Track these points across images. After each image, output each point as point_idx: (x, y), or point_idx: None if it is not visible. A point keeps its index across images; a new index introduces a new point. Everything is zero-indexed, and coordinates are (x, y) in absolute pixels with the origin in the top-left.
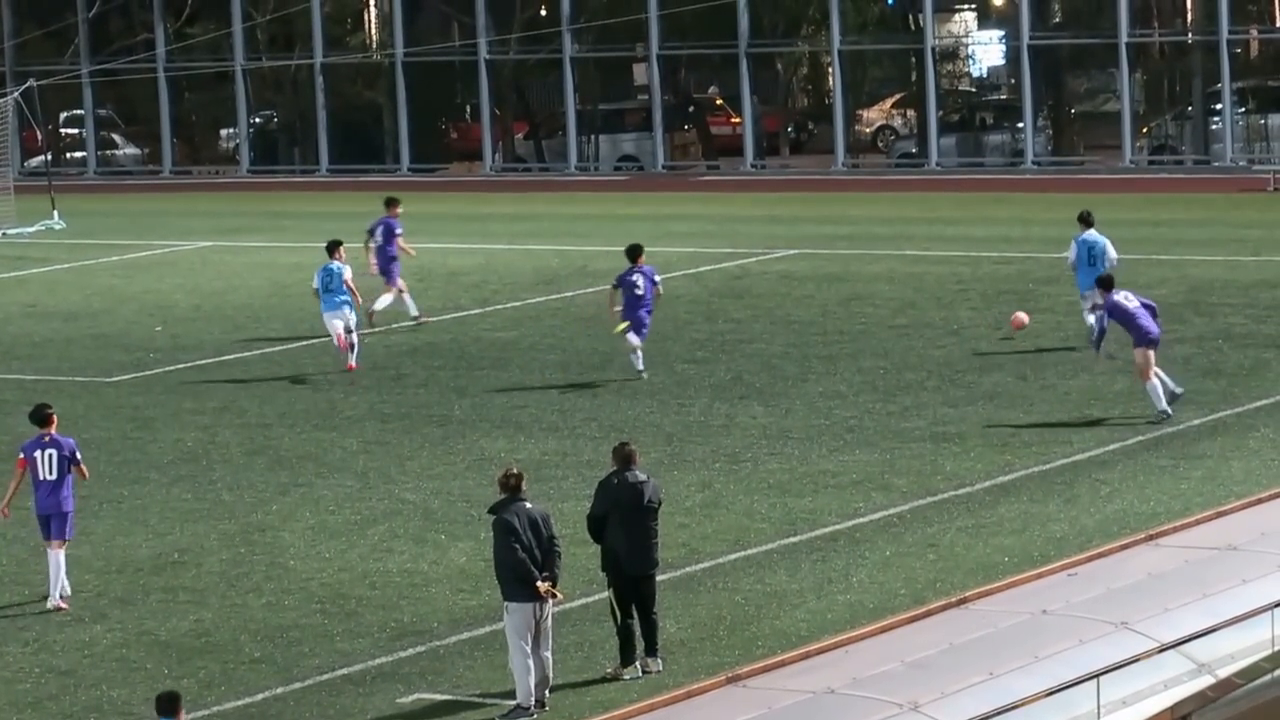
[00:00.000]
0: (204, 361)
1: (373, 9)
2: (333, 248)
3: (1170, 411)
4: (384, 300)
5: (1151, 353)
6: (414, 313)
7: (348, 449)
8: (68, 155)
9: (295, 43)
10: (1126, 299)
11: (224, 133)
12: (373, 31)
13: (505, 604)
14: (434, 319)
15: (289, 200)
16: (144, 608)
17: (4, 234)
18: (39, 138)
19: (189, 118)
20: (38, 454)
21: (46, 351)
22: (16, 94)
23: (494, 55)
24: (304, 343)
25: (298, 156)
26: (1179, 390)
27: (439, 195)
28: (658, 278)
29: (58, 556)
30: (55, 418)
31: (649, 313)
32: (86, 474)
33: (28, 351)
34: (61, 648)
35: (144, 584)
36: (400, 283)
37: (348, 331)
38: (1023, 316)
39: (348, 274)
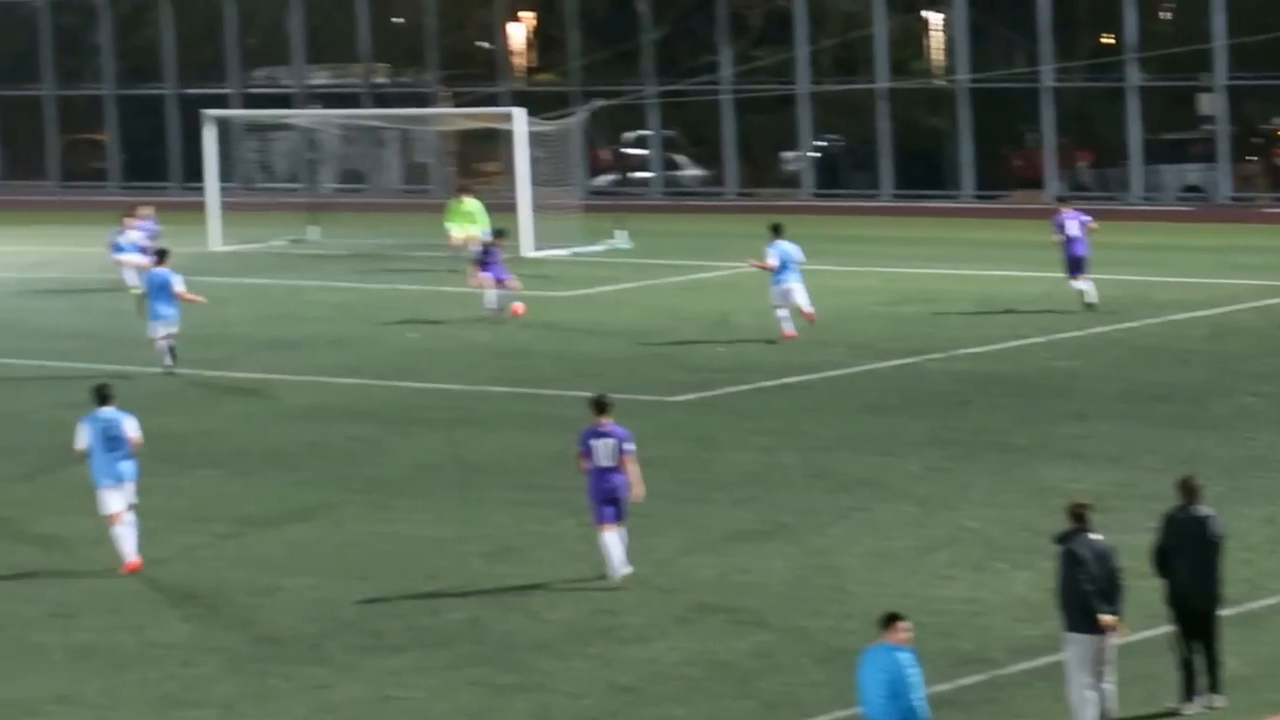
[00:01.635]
0: (766, 383)
1: (937, 35)
2: None
3: None
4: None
5: None
6: None
7: (909, 474)
8: (633, 175)
9: (859, 67)
10: None
11: (787, 155)
12: (936, 57)
13: (1066, 635)
14: (995, 347)
15: (851, 224)
16: (706, 627)
17: (571, 252)
18: (605, 157)
19: (753, 140)
20: (594, 442)
21: (611, 370)
22: (584, 113)
23: (1058, 83)
24: (866, 367)
25: (860, 181)
26: None
27: (1001, 222)
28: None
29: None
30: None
31: None
32: None
33: (594, 369)
34: (625, 664)
35: (707, 604)
36: None
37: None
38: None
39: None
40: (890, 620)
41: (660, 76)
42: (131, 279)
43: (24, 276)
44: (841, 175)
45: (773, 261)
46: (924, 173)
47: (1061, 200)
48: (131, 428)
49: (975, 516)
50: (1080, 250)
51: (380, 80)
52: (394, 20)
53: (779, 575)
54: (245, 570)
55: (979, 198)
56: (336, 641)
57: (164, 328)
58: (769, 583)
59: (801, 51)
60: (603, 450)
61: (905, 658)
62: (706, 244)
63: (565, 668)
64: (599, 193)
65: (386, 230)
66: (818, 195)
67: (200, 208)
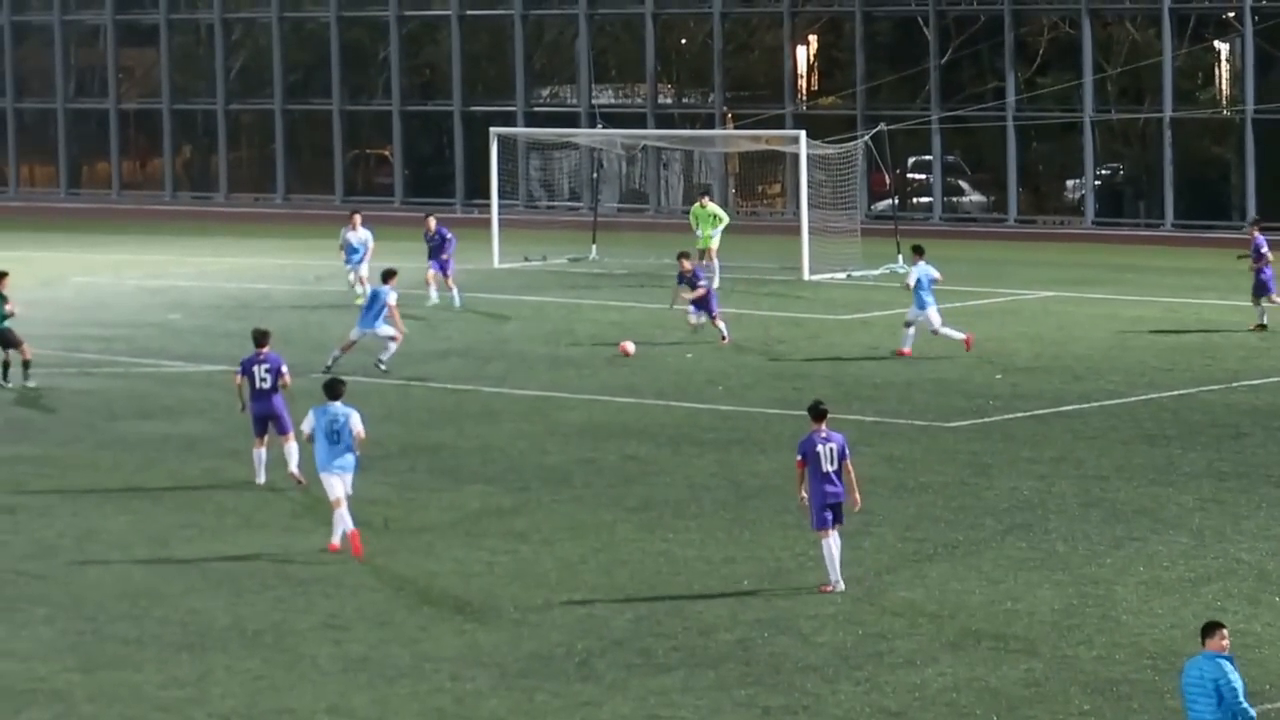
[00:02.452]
0: (1042, 411)
1: (1225, 64)
2: None
3: None
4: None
5: None
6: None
7: (1184, 505)
8: (914, 200)
9: (1145, 96)
10: None
11: (1069, 183)
12: (1224, 87)
13: None
14: (1275, 379)
15: (1132, 254)
16: (975, 654)
17: (849, 275)
18: (887, 181)
19: (1035, 167)
20: (818, 449)
21: (887, 394)
22: (868, 137)
23: None
24: (1143, 396)
25: (1142, 210)
26: None
27: None
28: None
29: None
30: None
31: None
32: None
33: (869, 393)
34: (893, 689)
35: (976, 630)
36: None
37: None
38: (629, 346)
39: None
40: (1212, 628)
41: (944, 102)
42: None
43: (306, 289)
44: (1125, 204)
45: (911, 281)
46: (1207, 202)
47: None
48: (356, 423)
49: (1250, 549)
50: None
51: (664, 101)
52: (680, 42)
53: (1049, 603)
54: (517, 586)
55: (1263, 229)
56: (605, 659)
57: (359, 334)
58: (1039, 610)
59: (1087, 79)
60: (825, 455)
61: (1228, 664)
62: (986, 270)
63: (833, 691)
64: (879, 217)
65: (667, 250)
66: (1099, 223)
67: (483, 224)
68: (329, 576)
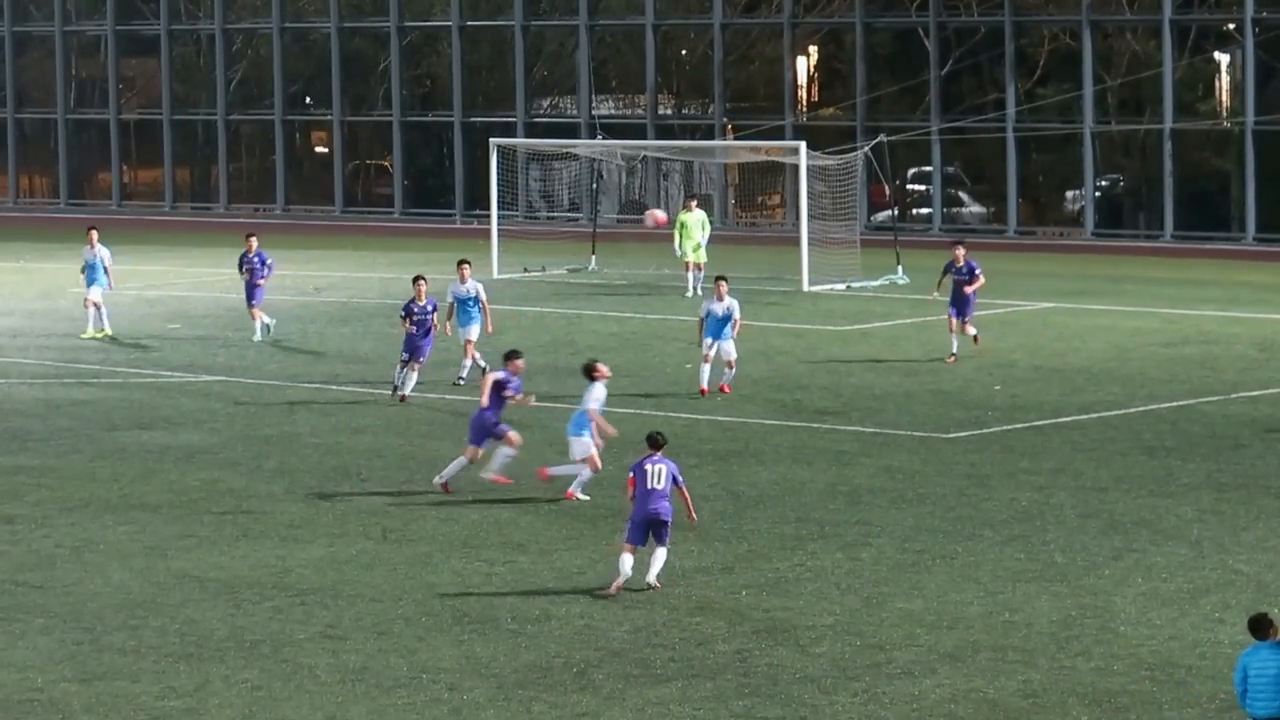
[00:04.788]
0: (1041, 422)
1: (1225, 76)
2: None
3: None
4: None
5: None
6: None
7: (1182, 517)
8: (914, 211)
9: (1145, 107)
10: None
11: (1069, 194)
12: (1224, 99)
13: None
14: (1274, 391)
15: (1132, 265)
16: (973, 665)
17: (848, 286)
18: (886, 192)
19: (1035, 178)
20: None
21: (886, 405)
22: (867, 148)
23: None
24: (1142, 408)
25: (1142, 222)
26: None
27: None
28: None
29: None
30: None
31: None
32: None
33: (868, 404)
34: (891, 700)
35: (974, 641)
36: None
37: None
38: (659, 215)
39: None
40: (1264, 621)
41: (944, 113)
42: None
43: (305, 300)
44: (1125, 216)
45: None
46: (1207, 214)
47: None
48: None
49: (1249, 560)
50: None
51: (664, 111)
52: (680, 53)
53: (1047, 614)
54: (515, 596)
55: (1262, 240)
56: (603, 670)
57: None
58: (1037, 622)
59: (1087, 90)
60: (653, 474)
61: None
62: (989, 283)
63: (830, 702)
64: (879, 228)
65: (667, 260)
66: (1099, 235)
67: (482, 235)
68: (327, 587)
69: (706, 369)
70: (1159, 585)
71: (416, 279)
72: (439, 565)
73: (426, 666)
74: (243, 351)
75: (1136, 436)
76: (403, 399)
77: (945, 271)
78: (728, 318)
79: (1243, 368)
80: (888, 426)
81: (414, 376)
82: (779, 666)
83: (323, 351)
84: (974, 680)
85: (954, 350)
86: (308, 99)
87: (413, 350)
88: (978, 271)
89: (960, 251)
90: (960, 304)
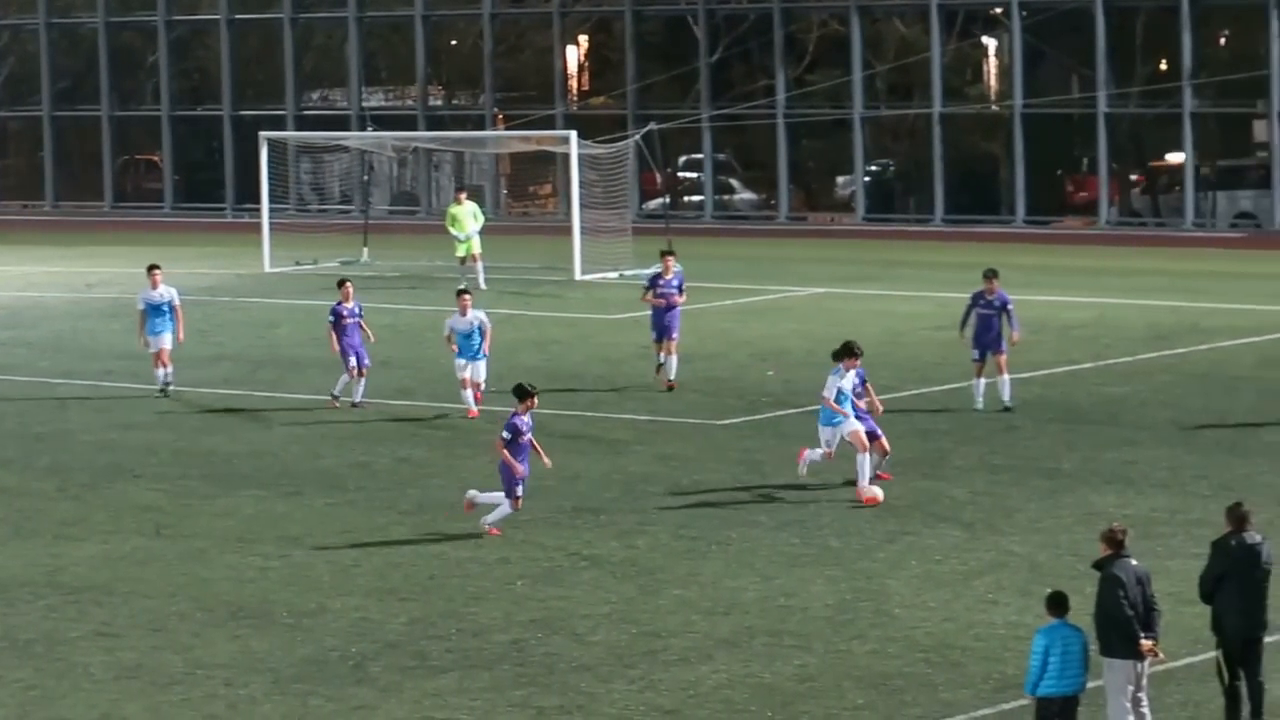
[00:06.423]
0: (815, 407)
1: (993, 60)
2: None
3: None
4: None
5: None
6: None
7: (956, 499)
8: (686, 198)
9: (914, 92)
10: None
11: (840, 180)
12: (992, 82)
13: (1106, 660)
14: (1045, 372)
15: (903, 249)
16: (749, 650)
17: (621, 274)
18: (658, 180)
19: (806, 164)
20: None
21: (660, 393)
22: (638, 137)
23: (1113, 109)
24: (915, 391)
25: (913, 206)
26: None
27: (1053, 248)
28: None
29: None
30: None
31: None
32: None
33: (642, 392)
34: (666, 687)
35: (750, 627)
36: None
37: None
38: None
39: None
40: (1064, 598)
41: (714, 100)
42: None
43: (77, 296)
44: (896, 200)
45: None
46: (977, 198)
47: None
48: None
49: (1022, 541)
50: None
51: (435, 103)
52: (450, 43)
53: (823, 599)
54: (291, 591)
55: (1031, 223)
56: (380, 663)
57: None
58: (812, 606)
59: (856, 76)
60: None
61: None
62: (758, 268)
63: (607, 690)
64: (651, 216)
65: (439, 253)
66: (870, 220)
67: (254, 229)
68: (101, 584)
69: (467, 393)
70: (933, 568)
71: (342, 282)
72: (213, 560)
73: (202, 662)
74: (12, 349)
75: (910, 420)
76: (353, 405)
77: (972, 305)
78: (477, 331)
79: (1015, 350)
80: (662, 414)
81: (361, 381)
82: (555, 655)
83: (94, 348)
84: (750, 665)
85: (979, 402)
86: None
87: (353, 354)
88: (1010, 306)
89: (994, 282)
90: (989, 342)
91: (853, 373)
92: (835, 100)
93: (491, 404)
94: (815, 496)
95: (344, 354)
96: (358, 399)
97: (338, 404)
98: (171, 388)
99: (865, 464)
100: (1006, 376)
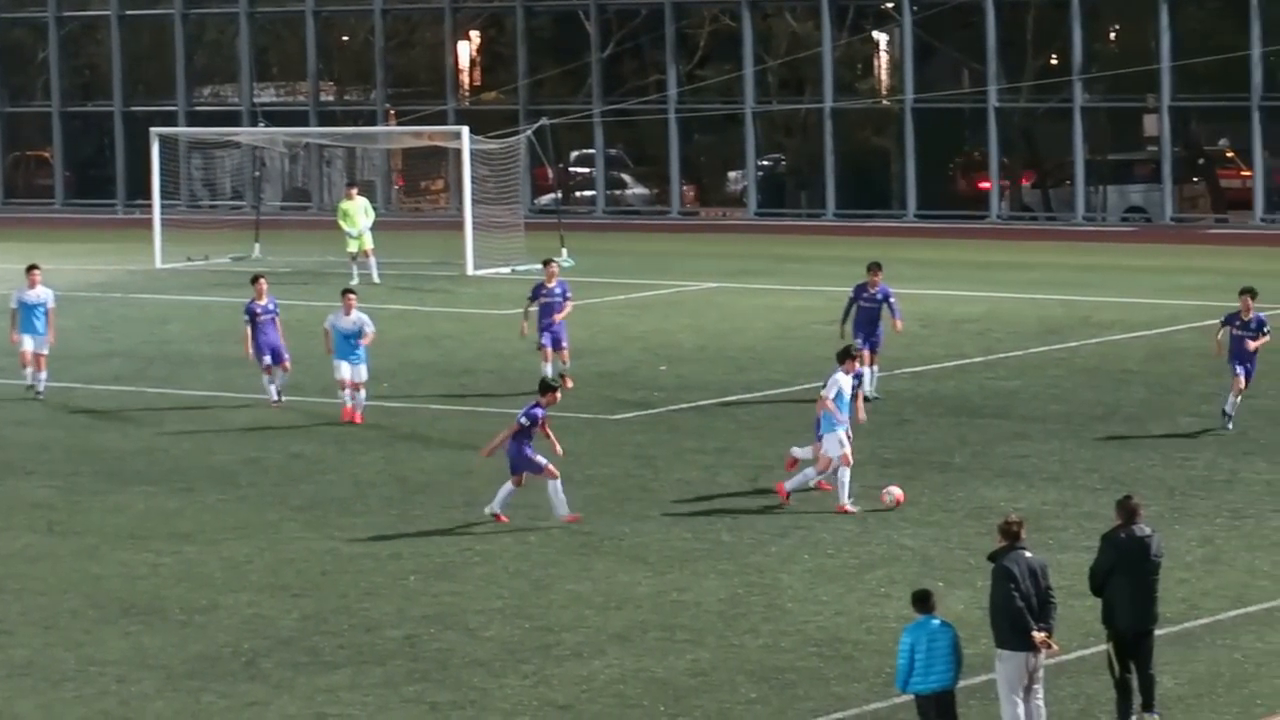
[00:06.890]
0: (707, 402)
1: (884, 55)
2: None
3: None
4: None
5: None
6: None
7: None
8: (578, 194)
9: (805, 87)
10: None
11: (731, 175)
12: (883, 77)
13: (998, 651)
14: (935, 366)
15: (795, 244)
16: (642, 645)
17: (513, 270)
18: (550, 175)
19: (698, 159)
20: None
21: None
22: (529, 132)
23: (1004, 103)
24: (805, 385)
25: (804, 201)
26: None
27: (944, 242)
28: None
29: None
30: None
31: None
32: None
33: (533, 387)
34: (560, 682)
35: (643, 621)
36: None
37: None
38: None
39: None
40: (929, 596)
41: (606, 96)
42: None
43: None
44: (788, 195)
45: None
46: (868, 192)
47: None
48: None
49: (914, 535)
50: None
51: (326, 98)
52: (341, 39)
53: (715, 593)
54: (183, 587)
55: (922, 216)
56: (272, 659)
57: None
58: (705, 600)
59: (748, 71)
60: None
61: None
62: (650, 263)
63: (500, 685)
64: (543, 211)
65: (331, 248)
66: (761, 214)
67: (144, 225)
68: None
69: (346, 394)
70: (825, 561)
71: (255, 278)
72: (105, 557)
73: (94, 659)
74: None
75: (802, 415)
76: (277, 405)
77: (855, 298)
78: (357, 332)
79: (905, 343)
80: (554, 409)
81: (281, 376)
82: (448, 651)
83: None
84: (643, 660)
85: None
86: None
87: (269, 352)
88: (892, 299)
89: (877, 275)
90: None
91: (850, 376)
92: (727, 95)
93: (376, 403)
94: (708, 491)
95: (258, 353)
96: (275, 396)
97: (279, 404)
98: (42, 396)
99: (846, 476)
100: (876, 369)
